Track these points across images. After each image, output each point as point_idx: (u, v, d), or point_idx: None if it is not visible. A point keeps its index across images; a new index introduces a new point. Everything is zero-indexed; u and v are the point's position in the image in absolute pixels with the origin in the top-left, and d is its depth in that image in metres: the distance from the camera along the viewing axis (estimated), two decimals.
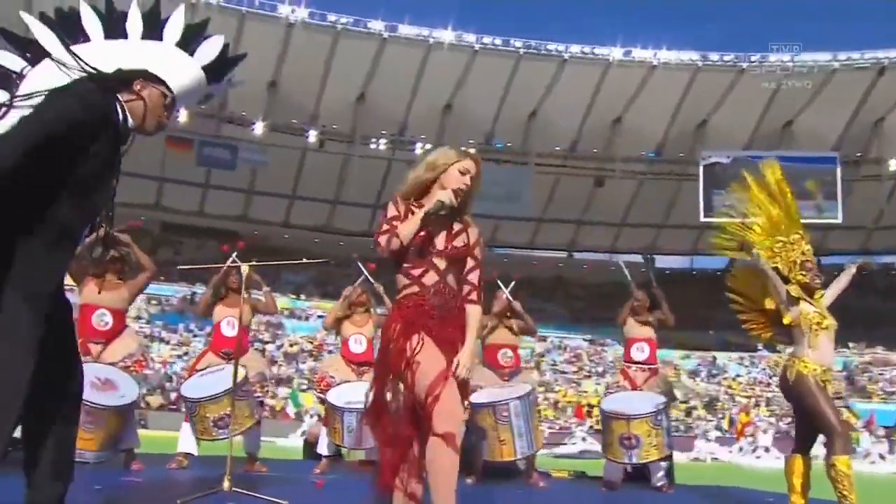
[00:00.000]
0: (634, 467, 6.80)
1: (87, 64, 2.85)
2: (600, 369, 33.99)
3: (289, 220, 39.23)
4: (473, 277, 3.23)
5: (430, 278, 3.14)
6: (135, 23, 3.05)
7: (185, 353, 28.78)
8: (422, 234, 3.15)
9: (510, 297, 7.18)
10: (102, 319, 5.96)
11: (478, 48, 32.99)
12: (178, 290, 32.90)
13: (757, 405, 31.39)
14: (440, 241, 3.18)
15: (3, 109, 2.74)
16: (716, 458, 23.56)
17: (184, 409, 6.70)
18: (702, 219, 33.80)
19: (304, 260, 5.66)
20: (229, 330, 6.68)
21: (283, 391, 28.38)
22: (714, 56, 33.18)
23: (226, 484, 4.69)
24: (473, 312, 3.20)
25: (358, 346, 7.01)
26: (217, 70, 3.13)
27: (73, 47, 2.92)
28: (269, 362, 31.09)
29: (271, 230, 38.26)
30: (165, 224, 38.25)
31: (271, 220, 38.94)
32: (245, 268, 5.19)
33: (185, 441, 6.39)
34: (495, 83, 33.87)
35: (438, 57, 32.80)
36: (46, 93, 2.68)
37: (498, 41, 33.14)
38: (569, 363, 35.34)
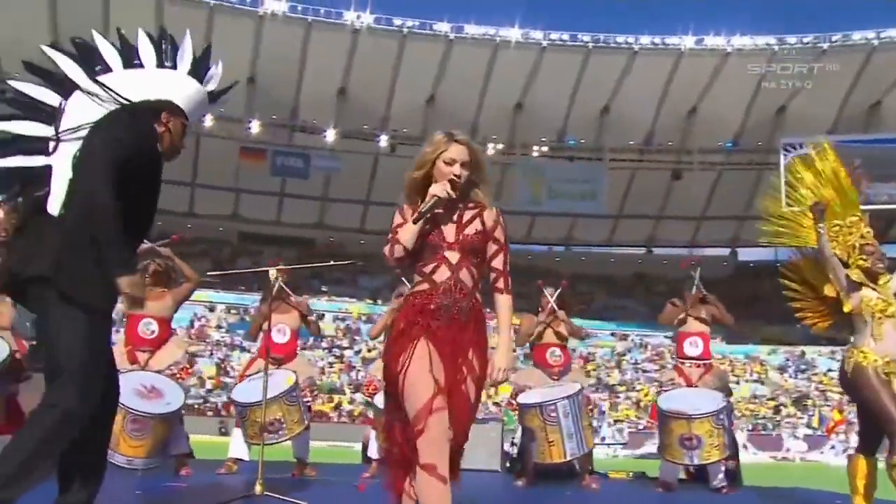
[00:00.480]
0: (697, 467, 6.49)
1: (118, 95, 3.05)
2: None
3: (364, 226, 39.50)
4: (499, 262, 2.95)
5: (442, 274, 2.87)
6: (147, 52, 3.24)
7: None
8: (428, 228, 2.89)
9: (556, 307, 6.92)
10: (148, 328, 6.01)
11: (545, 45, 32.65)
12: (257, 300, 33.50)
13: (851, 402, 30.03)
14: (451, 233, 2.91)
15: (53, 144, 2.95)
16: (804, 458, 22.63)
17: (235, 415, 6.71)
18: (784, 208, 32.59)
19: (332, 262, 5.57)
20: (279, 336, 6.67)
21: (360, 396, 28.58)
22: (792, 39, 32.00)
23: (258, 488, 4.64)
24: (503, 303, 2.93)
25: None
26: (218, 95, 3.40)
27: (99, 78, 3.10)
28: (346, 367, 31.46)
29: (347, 236, 38.69)
30: (243, 234, 39.16)
31: (347, 227, 39.32)
32: (273, 272, 5.12)
33: (236, 446, 6.40)
34: (565, 79, 33.45)
35: (506, 56, 32.61)
36: (92, 126, 2.93)
37: (566, 36, 32.74)
38: (650, 361, 34.60)
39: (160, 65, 3.22)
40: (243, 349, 31.23)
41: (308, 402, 6.68)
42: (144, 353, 5.95)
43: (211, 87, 3.32)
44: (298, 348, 6.94)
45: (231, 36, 30.84)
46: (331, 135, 35.07)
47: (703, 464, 6.13)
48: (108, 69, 3.15)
